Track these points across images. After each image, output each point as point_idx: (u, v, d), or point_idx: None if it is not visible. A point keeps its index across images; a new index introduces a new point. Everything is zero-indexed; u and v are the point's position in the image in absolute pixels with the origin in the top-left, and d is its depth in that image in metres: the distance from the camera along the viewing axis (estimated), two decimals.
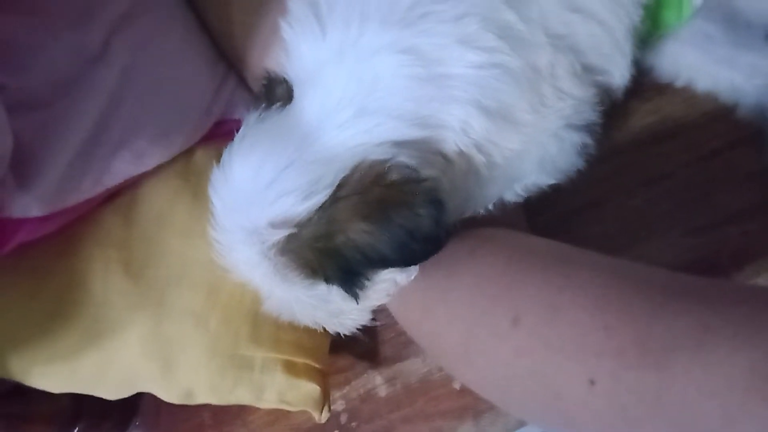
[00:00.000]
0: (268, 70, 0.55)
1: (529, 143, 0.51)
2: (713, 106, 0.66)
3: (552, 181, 0.55)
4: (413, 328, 0.56)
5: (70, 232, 0.60)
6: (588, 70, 0.52)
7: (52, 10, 0.60)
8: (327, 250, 0.46)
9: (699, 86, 0.65)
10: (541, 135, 0.52)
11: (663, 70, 0.65)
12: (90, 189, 0.57)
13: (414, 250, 0.46)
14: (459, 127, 0.48)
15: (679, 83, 0.66)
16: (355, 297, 0.49)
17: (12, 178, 0.52)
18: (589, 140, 0.54)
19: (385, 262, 0.47)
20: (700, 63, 0.63)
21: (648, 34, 0.58)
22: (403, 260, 0.47)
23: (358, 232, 0.45)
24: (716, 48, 0.62)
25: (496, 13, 0.47)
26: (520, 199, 0.55)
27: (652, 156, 0.68)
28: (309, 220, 0.46)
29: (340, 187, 0.46)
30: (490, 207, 0.54)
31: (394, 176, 0.45)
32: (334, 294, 0.49)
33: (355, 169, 0.46)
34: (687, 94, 0.67)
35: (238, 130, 0.53)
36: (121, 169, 0.59)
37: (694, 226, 0.65)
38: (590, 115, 0.54)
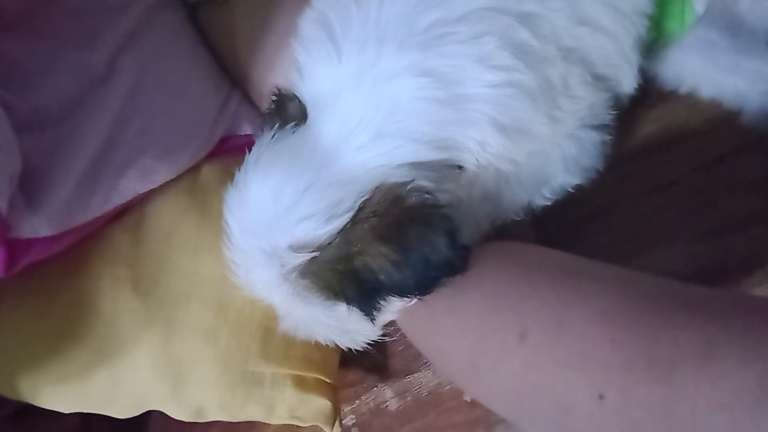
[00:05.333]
0: (278, 87, 0.55)
1: (547, 147, 0.52)
2: (717, 112, 0.66)
3: (577, 181, 0.55)
4: (421, 342, 0.56)
5: (79, 251, 0.60)
6: (598, 79, 0.53)
7: (58, 31, 0.61)
8: (347, 271, 0.46)
9: (703, 93, 0.65)
10: (559, 137, 0.52)
11: (666, 77, 0.65)
12: (98, 207, 0.57)
13: (430, 278, 0.46)
14: (477, 147, 0.49)
15: (683, 90, 0.66)
16: (372, 318, 0.49)
17: (21, 198, 0.52)
18: (607, 137, 0.55)
19: (403, 290, 0.47)
20: (704, 70, 0.63)
21: (652, 42, 0.58)
22: (420, 289, 0.47)
23: (377, 255, 0.45)
24: (719, 55, 0.62)
25: (511, 31, 0.47)
26: (548, 203, 0.55)
27: (657, 163, 0.67)
28: (329, 243, 0.46)
29: (359, 210, 0.46)
30: (520, 213, 0.55)
31: (412, 199, 0.46)
32: (352, 314, 0.49)
33: (375, 191, 0.46)
34: (691, 101, 0.67)
35: (243, 146, 0.53)
36: (129, 187, 0.59)
37: (701, 232, 0.65)
38: (604, 115, 0.54)
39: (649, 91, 0.65)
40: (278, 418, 0.62)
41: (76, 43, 0.61)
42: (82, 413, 0.62)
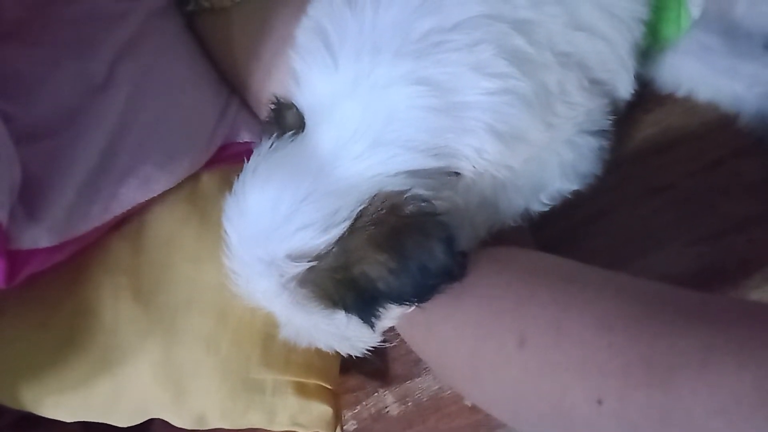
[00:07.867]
0: (276, 95, 0.55)
1: (545, 153, 0.52)
2: (714, 115, 0.66)
3: (575, 187, 0.55)
4: (420, 348, 0.56)
5: (79, 261, 0.60)
6: (595, 84, 0.53)
7: (56, 40, 0.61)
8: (346, 280, 0.47)
9: (700, 96, 0.66)
10: (556, 143, 0.52)
11: (663, 81, 0.65)
12: (98, 217, 0.57)
13: (429, 286, 0.46)
14: (474, 154, 0.49)
15: (680, 94, 0.66)
16: (372, 326, 0.49)
17: (21, 209, 0.52)
18: (605, 143, 0.55)
19: (401, 298, 0.47)
20: (701, 74, 0.63)
21: (648, 47, 0.58)
22: (418, 296, 0.47)
23: (375, 264, 0.45)
24: (716, 58, 0.62)
25: (506, 38, 0.47)
26: (545, 209, 0.55)
27: (655, 167, 0.68)
28: (327, 252, 0.46)
29: (357, 218, 0.46)
30: (518, 219, 0.55)
31: (410, 208, 0.46)
32: (352, 321, 0.49)
33: (372, 200, 0.46)
34: (688, 104, 0.67)
35: (243, 154, 0.53)
36: (129, 196, 0.59)
37: (699, 235, 0.65)
38: (602, 121, 0.54)
39: (647, 95, 0.66)
40: (280, 425, 0.62)
41: (74, 52, 0.61)
42: (84, 422, 0.62)
